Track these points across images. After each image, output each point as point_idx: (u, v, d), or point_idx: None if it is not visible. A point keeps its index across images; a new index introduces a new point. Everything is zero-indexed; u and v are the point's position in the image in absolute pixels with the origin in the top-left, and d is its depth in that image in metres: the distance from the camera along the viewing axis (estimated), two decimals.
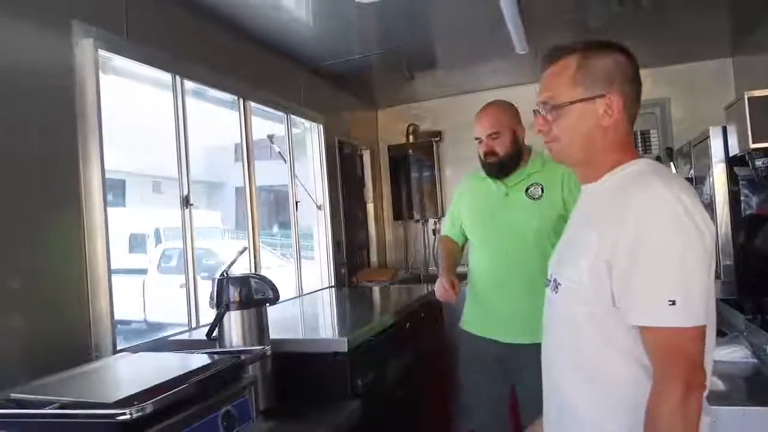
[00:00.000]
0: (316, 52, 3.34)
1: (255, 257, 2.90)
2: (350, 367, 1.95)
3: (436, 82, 4.26)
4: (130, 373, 1.60)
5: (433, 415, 2.89)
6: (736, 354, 1.72)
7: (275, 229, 6.31)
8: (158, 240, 7.45)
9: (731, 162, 2.43)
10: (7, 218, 1.70)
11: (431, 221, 4.70)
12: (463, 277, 2.32)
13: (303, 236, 3.60)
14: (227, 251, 6.16)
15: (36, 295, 1.77)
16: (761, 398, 1.45)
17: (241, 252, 1.90)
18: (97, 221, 1.94)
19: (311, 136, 3.76)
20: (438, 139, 4.69)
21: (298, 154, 3.64)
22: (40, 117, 1.83)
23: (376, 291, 3.64)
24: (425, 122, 4.83)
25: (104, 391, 1.50)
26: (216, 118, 3.19)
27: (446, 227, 2.48)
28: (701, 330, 0.98)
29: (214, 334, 1.79)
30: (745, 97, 2.09)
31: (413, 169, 4.80)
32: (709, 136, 2.45)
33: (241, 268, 2.52)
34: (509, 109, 2.21)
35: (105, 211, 1.95)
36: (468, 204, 2.33)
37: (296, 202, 3.47)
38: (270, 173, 4.11)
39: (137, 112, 3.11)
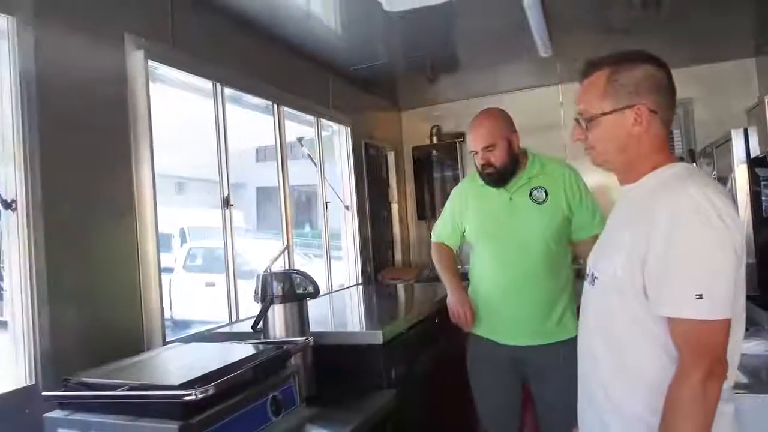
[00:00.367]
0: (344, 58, 3.46)
1: (288, 255, 3.02)
2: (385, 358, 2.05)
3: (458, 84, 4.34)
4: (185, 360, 1.72)
5: (461, 407, 2.98)
6: (759, 347, 1.80)
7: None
8: (183, 239, 7.63)
9: (753, 163, 2.48)
10: (72, 220, 1.84)
11: None
12: (462, 278, 2.36)
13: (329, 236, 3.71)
14: (251, 250, 6.31)
15: (95, 291, 1.91)
16: None
17: (283, 251, 2.02)
18: (149, 221, 2.08)
19: (339, 138, 3.88)
20: (461, 140, 4.78)
21: (325, 156, 3.76)
22: (98, 123, 1.98)
23: (402, 288, 3.74)
24: (447, 123, 4.92)
25: (166, 375, 1.63)
26: (238, 121, 3.32)
27: (441, 233, 2.42)
28: (725, 323, 1.07)
29: (259, 326, 1.91)
30: (766, 100, 2.15)
31: (436, 169, 4.91)
32: (731, 138, 2.50)
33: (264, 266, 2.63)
34: (502, 119, 2.18)
35: (155, 211, 2.09)
36: (474, 210, 2.30)
37: (326, 203, 3.59)
38: (293, 173, 4.23)
39: (160, 114, 3.24)
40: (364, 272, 3.95)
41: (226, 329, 2.46)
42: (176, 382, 1.36)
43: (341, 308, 3.12)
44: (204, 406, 1.34)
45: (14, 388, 1.66)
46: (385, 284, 4.10)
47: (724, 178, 2.72)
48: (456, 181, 4.72)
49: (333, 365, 2.02)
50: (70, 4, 1.90)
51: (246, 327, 2.04)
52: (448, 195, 2.46)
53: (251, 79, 2.82)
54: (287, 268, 2.88)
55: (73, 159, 1.86)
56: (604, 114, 1.21)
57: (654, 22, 3.13)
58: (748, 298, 2.20)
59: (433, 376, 2.47)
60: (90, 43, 1.97)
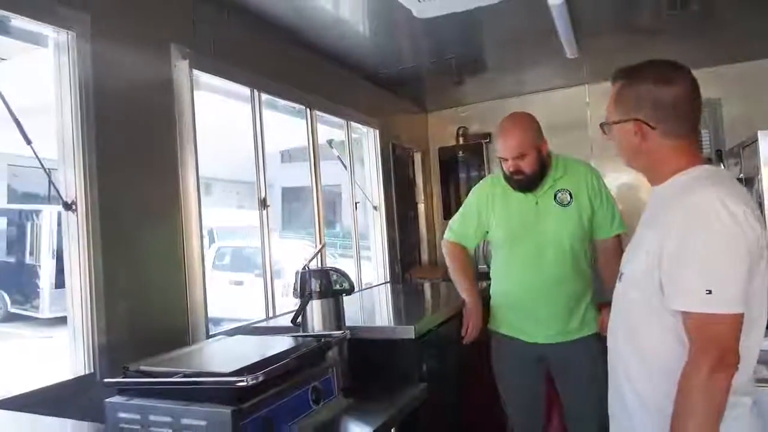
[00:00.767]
0: (373, 62, 3.55)
1: (322, 254, 3.12)
2: (416, 352, 2.13)
3: (484, 85, 4.39)
4: (233, 351, 1.83)
5: (490, 402, 3.04)
6: None
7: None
8: (212, 239, 7.82)
9: None
10: (126, 221, 1.97)
11: None
12: (482, 277, 2.41)
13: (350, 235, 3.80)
14: (278, 249, 6.43)
15: (145, 288, 2.04)
16: None
17: (320, 249, 2.12)
18: (193, 222, 2.21)
19: (367, 140, 3.98)
20: (488, 140, 4.83)
21: (354, 157, 3.86)
22: (148, 129, 2.11)
23: (428, 287, 3.81)
24: (473, 124, 4.98)
25: (217, 364, 1.74)
26: (266, 125, 3.43)
27: (460, 232, 2.40)
28: (736, 318, 1.13)
29: (298, 320, 2.01)
30: None
31: (462, 169, 4.96)
32: (757, 139, 2.53)
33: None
34: (532, 127, 2.17)
35: (200, 213, 2.21)
36: (500, 213, 2.29)
37: (356, 203, 3.69)
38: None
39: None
40: (392, 271, 4.03)
41: (263, 324, 2.58)
42: (228, 370, 1.46)
43: (372, 305, 3.21)
44: (253, 393, 1.44)
45: (74, 377, 1.80)
46: (413, 282, 4.18)
47: (750, 179, 2.73)
48: None
49: (366, 359, 2.10)
50: (122, 19, 2.04)
51: (282, 322, 2.14)
52: None
53: (285, 84, 2.93)
54: (322, 265, 2.98)
55: (125, 163, 1.99)
56: (614, 122, 1.33)
57: (682, 22, 3.13)
58: None
59: (462, 371, 2.54)
60: (140, 54, 2.10)
